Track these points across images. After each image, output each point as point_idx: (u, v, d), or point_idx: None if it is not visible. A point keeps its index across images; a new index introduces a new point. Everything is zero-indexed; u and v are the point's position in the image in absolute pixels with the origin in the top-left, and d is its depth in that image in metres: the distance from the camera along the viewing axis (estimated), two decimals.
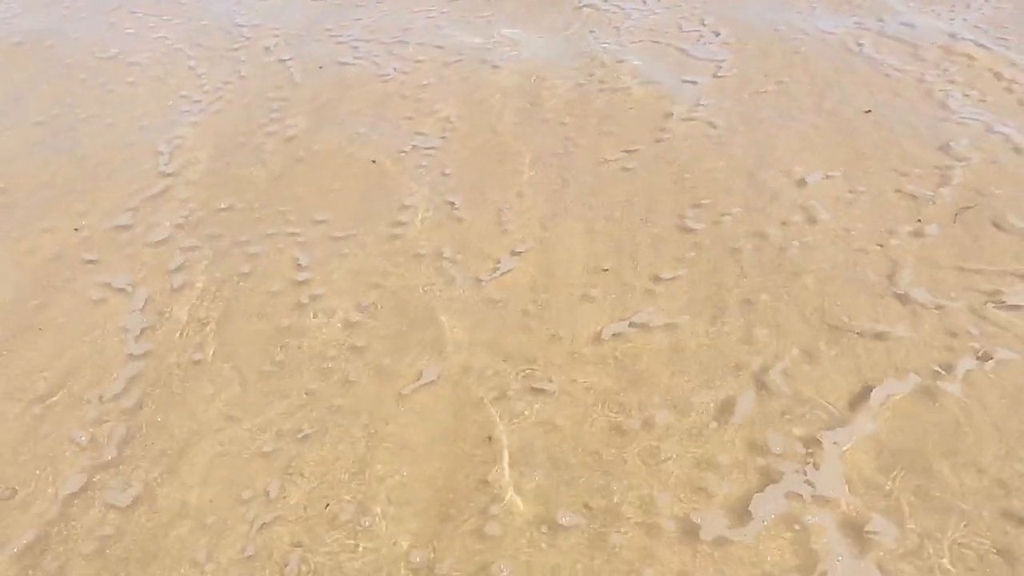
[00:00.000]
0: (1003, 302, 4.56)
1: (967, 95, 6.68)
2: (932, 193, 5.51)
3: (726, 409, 4.06)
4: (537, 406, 4.15)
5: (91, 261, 5.35)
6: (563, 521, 3.56)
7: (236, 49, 8.35)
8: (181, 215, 5.74)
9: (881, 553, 3.37)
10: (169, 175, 6.20)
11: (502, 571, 3.37)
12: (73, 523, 3.68)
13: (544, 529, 3.53)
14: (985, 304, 4.56)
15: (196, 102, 7.28)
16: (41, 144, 6.76)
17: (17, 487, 3.86)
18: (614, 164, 6.11)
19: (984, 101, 6.58)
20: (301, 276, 5.14)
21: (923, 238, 5.11)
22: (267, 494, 3.77)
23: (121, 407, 4.27)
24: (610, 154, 6.24)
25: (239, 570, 3.45)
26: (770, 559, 3.38)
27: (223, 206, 5.84)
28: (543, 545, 3.47)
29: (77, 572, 3.46)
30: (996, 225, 5.17)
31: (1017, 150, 5.91)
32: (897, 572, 3.30)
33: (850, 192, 5.61)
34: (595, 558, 3.42)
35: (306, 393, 4.30)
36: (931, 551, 3.37)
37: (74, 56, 8.31)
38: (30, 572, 3.46)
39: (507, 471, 3.80)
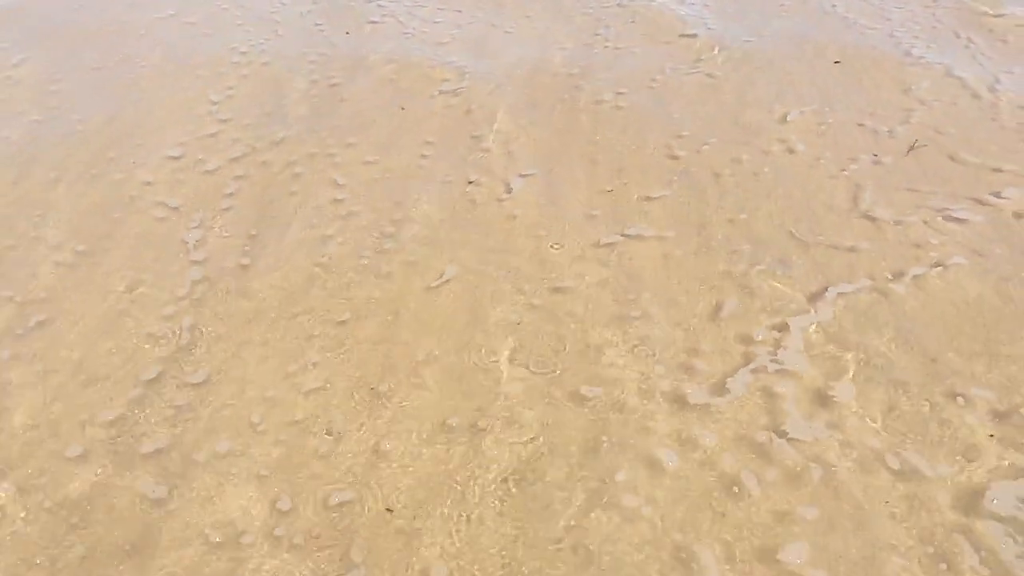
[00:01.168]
0: (952, 216, 4.85)
1: (930, 47, 6.91)
2: (889, 129, 5.77)
3: (709, 304, 4.36)
4: (548, 297, 4.50)
5: (148, 183, 5.67)
6: (583, 392, 3.91)
7: (274, 12, 8.58)
8: (231, 150, 6.04)
9: (831, 413, 3.69)
10: (222, 120, 6.46)
11: (499, 417, 3.71)
12: (153, 398, 4.01)
13: (535, 421, 3.86)
14: (936, 218, 4.85)
15: (243, 53, 7.52)
16: (102, 88, 7.02)
17: (104, 371, 4.18)
18: (610, 103, 6.39)
19: (944, 53, 6.81)
20: (340, 194, 5.47)
21: (882, 166, 5.37)
22: (312, 366, 4.10)
23: (187, 303, 4.60)
24: (607, 96, 6.51)
25: (290, 431, 3.78)
26: (744, 419, 3.70)
27: (275, 139, 6.14)
28: (559, 410, 3.81)
29: (157, 437, 3.79)
30: (951, 158, 5.43)
31: (974, 95, 6.15)
32: (843, 425, 3.61)
33: (820, 125, 5.88)
34: (607, 423, 3.74)
35: (346, 286, 4.64)
36: (871, 412, 3.68)
37: (132, 16, 8.53)
38: (119, 439, 3.79)
39: (508, 356, 4.13)
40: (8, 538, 3.34)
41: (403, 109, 6.45)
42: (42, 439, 3.79)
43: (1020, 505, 3.23)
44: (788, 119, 5.98)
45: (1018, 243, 4.60)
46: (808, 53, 6.95)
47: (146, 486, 3.54)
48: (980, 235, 4.68)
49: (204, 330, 4.37)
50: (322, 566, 3.18)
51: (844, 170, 5.35)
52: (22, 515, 3.45)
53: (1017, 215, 4.82)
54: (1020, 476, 3.34)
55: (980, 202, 4.96)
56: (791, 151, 5.60)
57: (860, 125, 5.85)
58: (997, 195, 5.00)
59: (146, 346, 4.29)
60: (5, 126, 6.45)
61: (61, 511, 3.46)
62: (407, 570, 3.14)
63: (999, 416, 3.61)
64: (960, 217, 4.83)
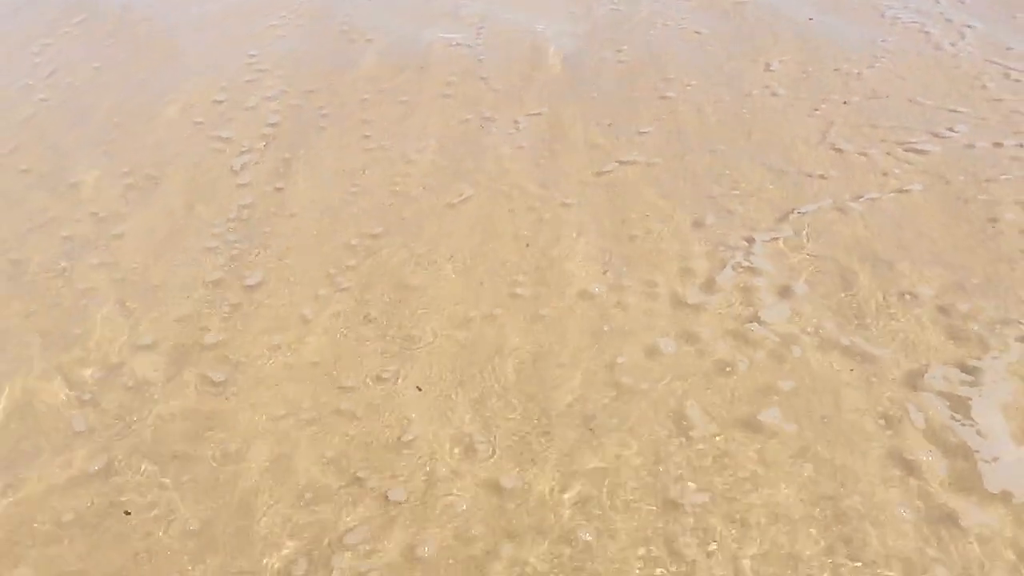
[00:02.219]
0: (912, 148, 5.13)
1: (905, 7, 7.10)
2: (859, 72, 6.03)
3: (700, 221, 4.66)
4: (556, 211, 4.83)
5: (199, 123, 5.98)
6: (588, 289, 4.24)
7: None
8: (270, 93, 6.33)
9: (793, 302, 4.01)
10: (260, 70, 6.72)
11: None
12: (213, 298, 4.34)
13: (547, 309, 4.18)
14: (896, 149, 5.13)
15: (282, 16, 7.74)
16: (146, 43, 7.34)
17: (171, 276, 4.52)
18: (614, 56, 6.65)
19: (914, 12, 7.01)
20: (368, 131, 5.77)
21: (850, 105, 5.65)
22: (350, 269, 4.45)
23: (236, 220, 4.93)
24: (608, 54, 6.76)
25: (334, 321, 4.11)
26: (731, 311, 4.01)
27: (306, 89, 6.42)
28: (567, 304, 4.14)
29: (219, 330, 4.13)
30: (910, 100, 5.68)
31: (936, 46, 6.38)
32: (801, 311, 3.94)
33: (799, 72, 6.15)
34: (609, 316, 4.07)
35: (377, 208, 4.97)
36: (832, 305, 4.00)
37: None
38: (185, 332, 4.13)
39: (518, 260, 4.46)
40: (91, 415, 3.68)
41: (422, 68, 6.70)
42: (120, 333, 4.12)
43: (954, 382, 3.54)
44: (771, 67, 6.23)
45: (967, 169, 4.88)
46: (790, 11, 7.17)
47: (210, 372, 3.88)
48: (935, 163, 4.96)
49: (254, 241, 4.71)
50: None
51: (816, 109, 5.62)
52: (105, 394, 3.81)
53: (968, 146, 5.09)
54: (956, 360, 3.64)
55: (936, 135, 5.23)
56: (773, 94, 5.86)
57: (835, 70, 6.11)
58: (951, 130, 5.27)
59: (205, 255, 4.63)
60: (69, 74, 6.75)
61: (139, 391, 3.81)
62: (441, 428, 3.48)
63: (941, 310, 3.91)
64: (919, 149, 5.10)
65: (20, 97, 6.49)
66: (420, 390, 3.68)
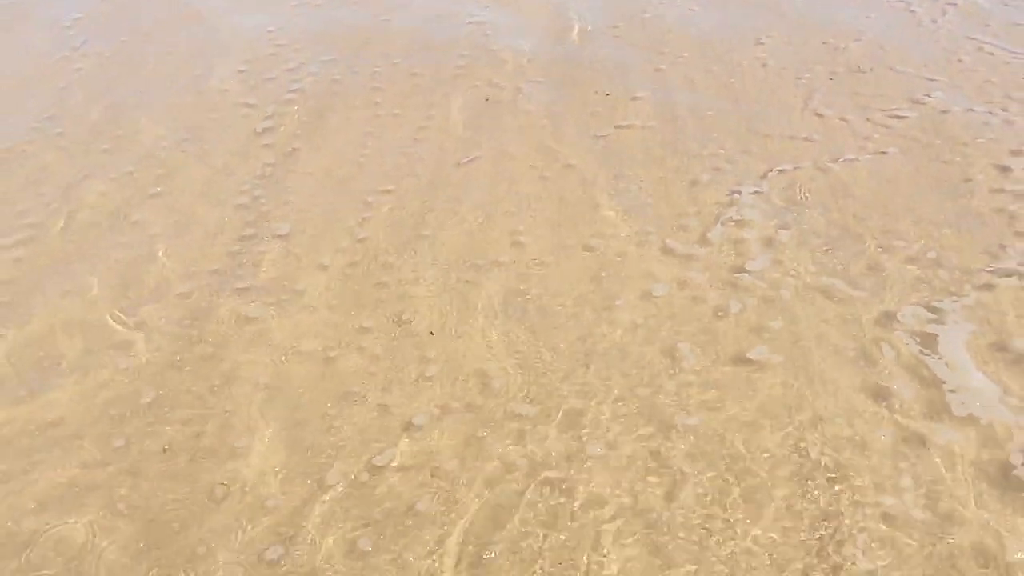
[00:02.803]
0: (893, 113, 5.29)
1: None
2: (845, 45, 6.18)
3: (691, 179, 4.81)
4: (559, 171, 5.00)
5: (225, 91, 6.14)
6: (589, 242, 4.40)
7: None
8: (290, 65, 6.47)
9: (777, 251, 4.18)
10: (279, 44, 6.86)
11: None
12: (248, 246, 4.52)
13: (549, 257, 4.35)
14: (876, 115, 5.29)
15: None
16: (169, 17, 7.49)
17: (205, 227, 4.69)
18: (612, 32, 6.79)
19: None
20: (378, 97, 5.95)
21: (834, 76, 5.80)
22: (365, 220, 4.61)
23: (260, 168, 5.17)
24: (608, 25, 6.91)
25: (352, 270, 4.28)
26: (721, 260, 4.17)
27: (326, 58, 6.58)
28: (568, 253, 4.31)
29: (251, 274, 4.31)
30: (891, 69, 5.83)
31: (919, 23, 6.52)
32: (784, 259, 4.10)
33: (787, 45, 6.29)
34: (609, 267, 4.23)
35: (391, 166, 5.15)
36: (808, 252, 4.17)
37: None
38: (222, 277, 4.31)
39: (523, 216, 4.62)
40: (143, 348, 3.86)
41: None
42: (165, 279, 4.30)
43: (923, 320, 3.70)
44: (761, 42, 6.37)
45: (941, 132, 5.03)
46: None
47: (244, 308, 4.06)
48: (912, 127, 5.12)
49: (280, 196, 4.90)
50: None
51: (800, 78, 5.77)
52: (159, 325, 3.98)
53: (943, 112, 5.24)
54: (924, 302, 3.80)
55: (915, 102, 5.38)
56: (763, 65, 6.01)
57: (823, 43, 6.25)
58: (927, 96, 5.42)
59: (237, 208, 4.81)
60: (102, 47, 6.91)
61: (183, 325, 3.99)
62: (459, 368, 3.65)
63: (911, 259, 4.07)
64: (897, 115, 5.25)
65: (58, 67, 6.65)
66: (433, 335, 3.84)
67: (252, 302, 4.08)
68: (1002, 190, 4.50)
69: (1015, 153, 4.80)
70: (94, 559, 2.89)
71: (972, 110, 5.23)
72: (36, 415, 3.52)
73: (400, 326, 3.89)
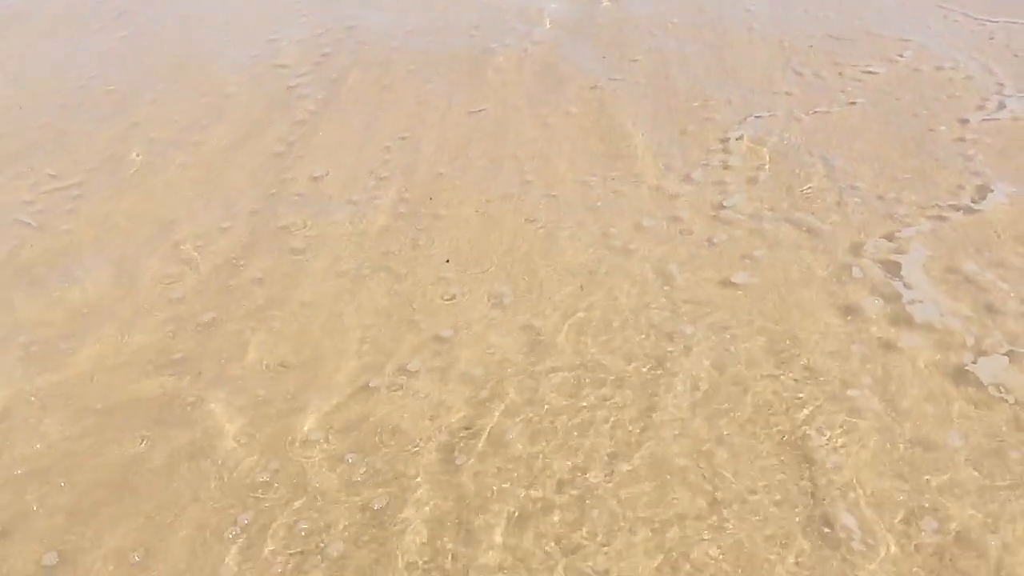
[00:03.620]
0: (866, 70, 5.51)
1: None
2: (825, 14, 6.38)
3: (680, 129, 5.04)
4: (561, 119, 5.23)
5: (255, 55, 6.34)
6: (585, 179, 4.63)
7: None
8: (319, 31, 6.68)
9: (757, 188, 4.41)
10: (304, 12, 7.05)
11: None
12: (285, 187, 4.75)
13: (553, 192, 4.58)
14: (850, 71, 5.51)
15: None
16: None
17: (246, 172, 4.92)
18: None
19: None
20: (396, 57, 6.17)
21: (815, 41, 6.00)
22: (386, 162, 4.84)
23: (297, 113, 5.44)
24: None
25: (376, 202, 4.51)
26: (707, 199, 4.40)
27: (346, 26, 6.78)
28: (568, 188, 4.54)
29: (289, 214, 4.55)
30: (867, 32, 6.04)
31: None
32: (763, 196, 4.34)
33: (774, 13, 6.50)
34: (605, 201, 4.46)
35: (407, 115, 5.37)
36: (785, 191, 4.41)
37: None
38: (260, 217, 4.53)
39: (526, 155, 4.85)
40: (190, 277, 4.09)
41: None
42: (207, 216, 4.53)
43: (886, 250, 3.93)
44: (749, 9, 6.56)
45: (910, 88, 5.25)
46: None
47: (284, 244, 4.30)
48: (883, 83, 5.34)
49: (312, 141, 5.13)
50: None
51: (783, 41, 5.98)
52: (207, 257, 4.22)
53: (914, 70, 5.45)
54: (889, 236, 4.03)
55: (887, 60, 5.60)
56: (749, 30, 6.21)
57: (804, 12, 6.45)
58: (899, 56, 5.63)
59: (273, 155, 5.06)
60: (133, 17, 7.10)
61: (227, 258, 4.22)
62: (474, 291, 3.89)
63: (878, 197, 4.29)
64: (870, 71, 5.47)
65: (97, 36, 6.85)
66: (448, 261, 4.07)
67: (290, 240, 4.34)
68: (962, 139, 4.72)
69: (977, 108, 5.01)
70: None
71: (941, 68, 5.45)
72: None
73: (416, 250, 4.14)
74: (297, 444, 3.10)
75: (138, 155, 5.10)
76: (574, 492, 2.84)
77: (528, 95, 5.50)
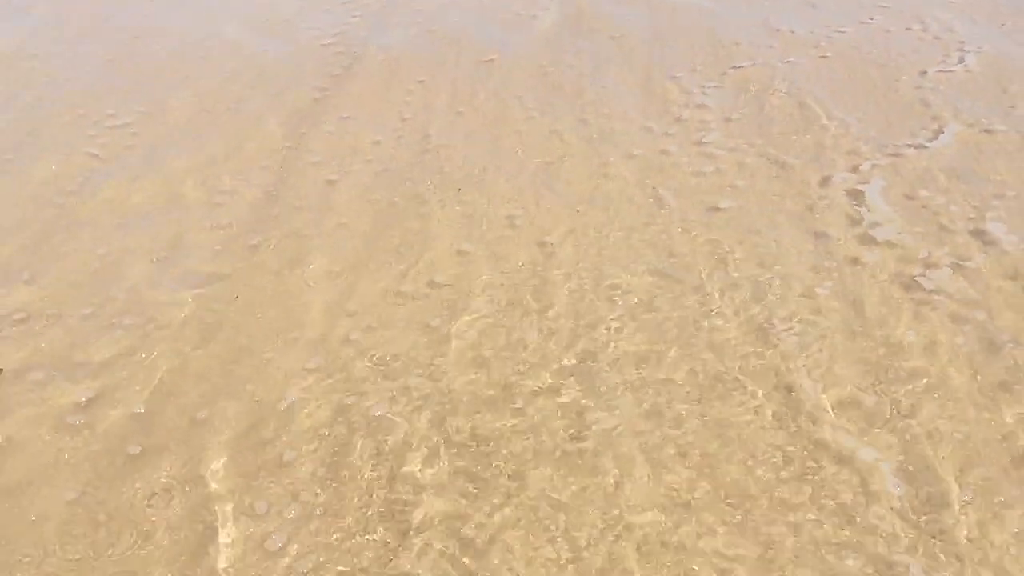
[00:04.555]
0: (838, 30, 5.79)
1: None
2: None
3: (668, 75, 5.33)
4: (560, 66, 5.50)
5: (288, 20, 6.59)
6: (582, 117, 4.92)
7: None
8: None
9: (734, 126, 4.71)
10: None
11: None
12: (314, 126, 5.04)
13: (556, 128, 4.87)
14: (824, 29, 5.80)
15: None
16: None
17: (285, 108, 5.20)
18: None
19: None
20: (419, 18, 6.40)
21: (789, 4, 6.29)
22: (408, 103, 5.12)
23: (328, 69, 5.64)
24: None
25: (401, 132, 4.81)
26: (691, 136, 4.70)
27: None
28: (564, 124, 4.84)
29: (319, 152, 4.83)
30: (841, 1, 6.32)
31: None
32: (741, 133, 4.65)
33: None
34: (599, 136, 4.76)
35: (424, 63, 5.64)
36: (761, 128, 4.72)
37: None
38: (288, 157, 4.82)
39: (525, 99, 5.14)
40: (225, 205, 4.38)
41: None
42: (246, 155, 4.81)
43: (851, 181, 4.22)
44: None
45: (878, 45, 5.53)
46: None
47: (316, 176, 4.59)
48: (854, 40, 5.62)
49: (343, 88, 5.41)
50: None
51: (764, 4, 6.25)
52: (242, 189, 4.51)
53: (884, 31, 5.74)
54: (853, 169, 4.32)
55: (859, 22, 5.88)
56: None
57: None
58: (871, 18, 5.91)
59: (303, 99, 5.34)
60: None
61: (263, 192, 4.51)
62: (486, 211, 4.19)
63: (844, 135, 4.58)
64: (842, 31, 5.75)
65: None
66: (460, 190, 4.37)
67: (321, 173, 4.63)
68: (921, 87, 5.02)
69: (939, 63, 5.31)
70: None
71: (909, 29, 5.73)
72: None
73: (441, 175, 4.44)
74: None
75: (181, 102, 5.37)
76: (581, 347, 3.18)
77: (531, 47, 5.79)
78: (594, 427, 2.86)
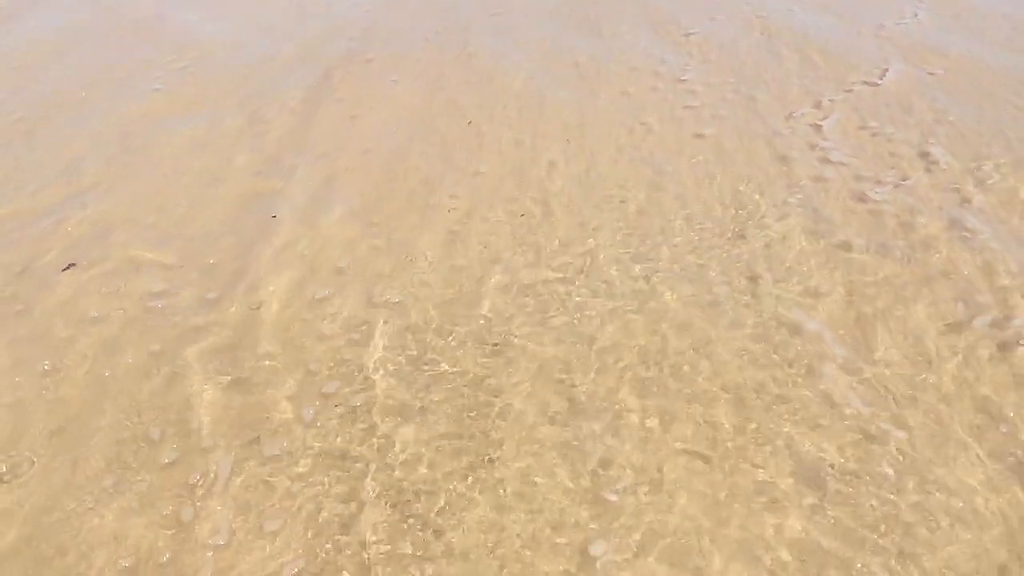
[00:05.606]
0: None
1: None
2: None
3: (651, 27, 5.67)
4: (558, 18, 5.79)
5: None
6: (576, 61, 5.24)
7: None
8: None
9: (710, 66, 5.07)
10: None
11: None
12: (337, 70, 5.33)
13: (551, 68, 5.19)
14: None
15: None
16: None
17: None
18: None
19: None
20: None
21: None
22: (426, 49, 5.42)
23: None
24: None
25: (419, 80, 5.11)
26: (675, 75, 5.06)
27: None
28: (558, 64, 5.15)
29: (346, 95, 5.13)
30: None
31: None
32: (717, 72, 5.01)
33: None
34: (592, 77, 5.09)
35: (441, 15, 5.93)
36: (731, 69, 5.07)
37: None
38: (313, 92, 5.11)
39: (523, 64, 5.45)
40: (274, 129, 4.69)
41: None
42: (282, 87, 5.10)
43: (812, 116, 4.59)
44: None
45: (843, 1, 5.90)
46: None
47: (339, 110, 4.89)
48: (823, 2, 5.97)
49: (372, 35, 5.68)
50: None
51: None
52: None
53: None
54: (815, 105, 4.66)
55: None
56: None
57: None
58: None
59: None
60: None
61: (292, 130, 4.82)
62: (494, 142, 4.53)
63: (806, 75, 4.95)
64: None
65: None
66: (470, 123, 4.70)
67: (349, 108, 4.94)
68: (878, 36, 5.38)
69: (896, 18, 5.66)
70: None
71: None
72: None
73: (464, 114, 4.76)
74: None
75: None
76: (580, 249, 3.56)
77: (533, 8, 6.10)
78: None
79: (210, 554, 2.32)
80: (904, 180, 3.95)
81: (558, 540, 2.34)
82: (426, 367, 2.96)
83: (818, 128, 4.42)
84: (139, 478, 2.56)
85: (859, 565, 2.23)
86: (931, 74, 4.85)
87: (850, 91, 4.72)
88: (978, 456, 2.51)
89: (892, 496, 2.41)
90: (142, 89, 5.12)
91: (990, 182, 3.84)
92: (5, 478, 2.58)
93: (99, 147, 4.53)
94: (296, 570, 2.27)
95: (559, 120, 4.60)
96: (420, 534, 2.34)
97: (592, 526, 2.38)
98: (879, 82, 4.78)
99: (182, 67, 5.43)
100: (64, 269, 3.52)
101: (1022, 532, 2.27)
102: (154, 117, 4.79)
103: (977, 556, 2.21)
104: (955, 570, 2.17)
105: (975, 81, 4.73)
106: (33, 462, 2.65)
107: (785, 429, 2.64)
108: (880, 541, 2.29)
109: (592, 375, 2.88)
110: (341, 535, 2.36)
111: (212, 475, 2.55)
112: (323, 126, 4.66)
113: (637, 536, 2.34)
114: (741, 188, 3.95)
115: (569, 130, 4.50)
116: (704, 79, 4.91)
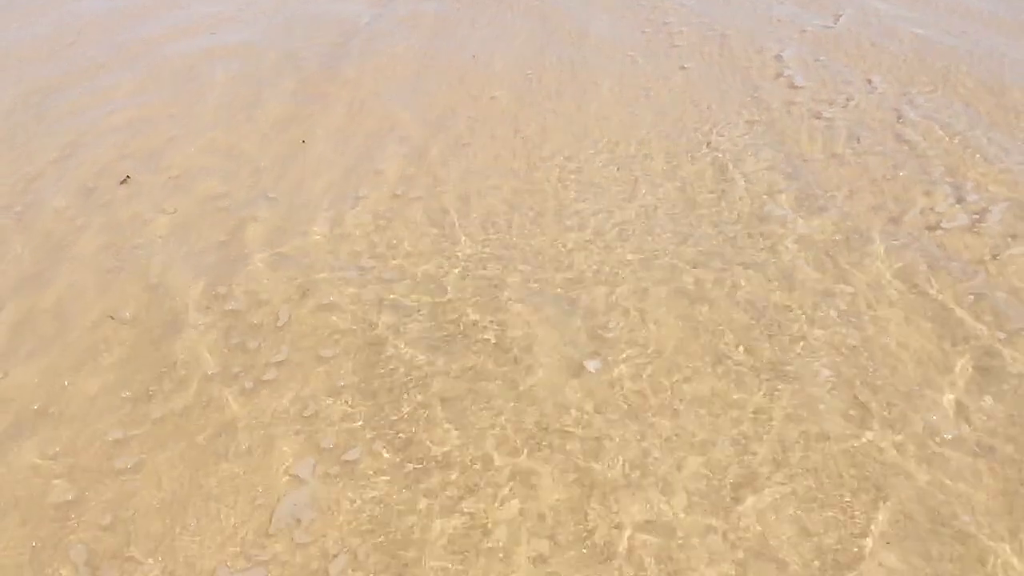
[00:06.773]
0: None
1: None
2: None
3: None
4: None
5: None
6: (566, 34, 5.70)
7: None
8: None
9: (693, 15, 5.59)
10: None
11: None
12: (354, 41, 5.71)
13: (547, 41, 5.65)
14: None
15: None
16: None
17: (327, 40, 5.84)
18: None
19: None
20: None
21: None
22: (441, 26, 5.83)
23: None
24: None
25: (435, 52, 5.54)
26: (663, 23, 5.56)
27: None
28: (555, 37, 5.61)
29: (358, 62, 5.54)
30: None
31: None
32: (703, 20, 5.52)
33: None
34: (596, 37, 5.56)
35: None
36: (706, 15, 5.59)
37: None
38: (326, 54, 5.50)
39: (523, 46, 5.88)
40: (305, 69, 5.09)
41: None
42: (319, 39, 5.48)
43: (776, 50, 5.16)
44: None
45: None
46: None
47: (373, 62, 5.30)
48: None
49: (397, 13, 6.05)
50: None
51: None
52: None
53: None
54: (779, 42, 5.23)
55: None
56: None
57: None
58: None
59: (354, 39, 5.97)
60: None
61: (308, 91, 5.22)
62: (510, 75, 4.99)
63: (769, 22, 5.51)
64: None
65: None
66: (474, 57, 5.14)
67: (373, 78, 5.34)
68: None
69: None
70: None
71: None
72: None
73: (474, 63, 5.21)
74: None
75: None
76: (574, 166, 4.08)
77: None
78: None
79: None
80: (848, 101, 4.51)
81: None
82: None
83: (781, 60, 4.95)
84: None
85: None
86: (876, 16, 5.40)
87: (806, 31, 5.27)
88: None
89: None
90: None
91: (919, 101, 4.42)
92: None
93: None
94: None
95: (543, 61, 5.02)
96: None
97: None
98: (832, 25, 5.33)
99: None
100: (121, 182, 3.91)
101: None
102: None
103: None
104: None
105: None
106: None
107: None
108: None
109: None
110: None
111: None
112: None
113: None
114: (712, 108, 4.49)
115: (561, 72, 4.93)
116: (691, 29, 5.39)
